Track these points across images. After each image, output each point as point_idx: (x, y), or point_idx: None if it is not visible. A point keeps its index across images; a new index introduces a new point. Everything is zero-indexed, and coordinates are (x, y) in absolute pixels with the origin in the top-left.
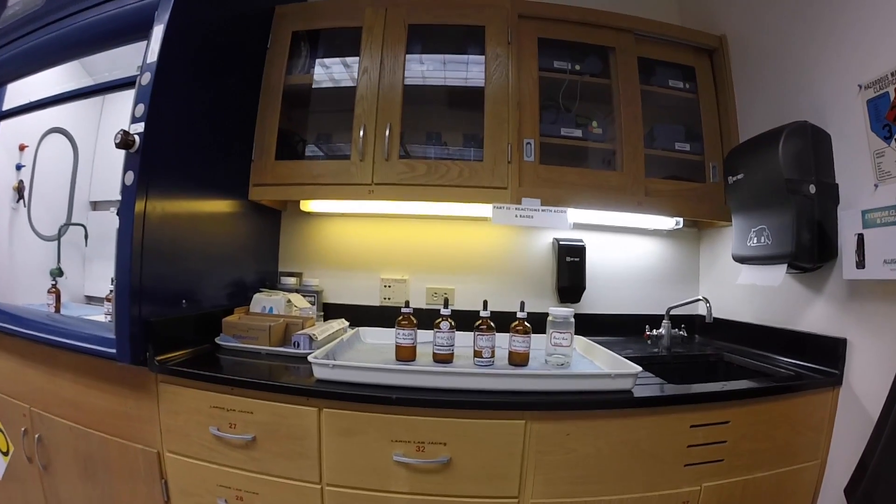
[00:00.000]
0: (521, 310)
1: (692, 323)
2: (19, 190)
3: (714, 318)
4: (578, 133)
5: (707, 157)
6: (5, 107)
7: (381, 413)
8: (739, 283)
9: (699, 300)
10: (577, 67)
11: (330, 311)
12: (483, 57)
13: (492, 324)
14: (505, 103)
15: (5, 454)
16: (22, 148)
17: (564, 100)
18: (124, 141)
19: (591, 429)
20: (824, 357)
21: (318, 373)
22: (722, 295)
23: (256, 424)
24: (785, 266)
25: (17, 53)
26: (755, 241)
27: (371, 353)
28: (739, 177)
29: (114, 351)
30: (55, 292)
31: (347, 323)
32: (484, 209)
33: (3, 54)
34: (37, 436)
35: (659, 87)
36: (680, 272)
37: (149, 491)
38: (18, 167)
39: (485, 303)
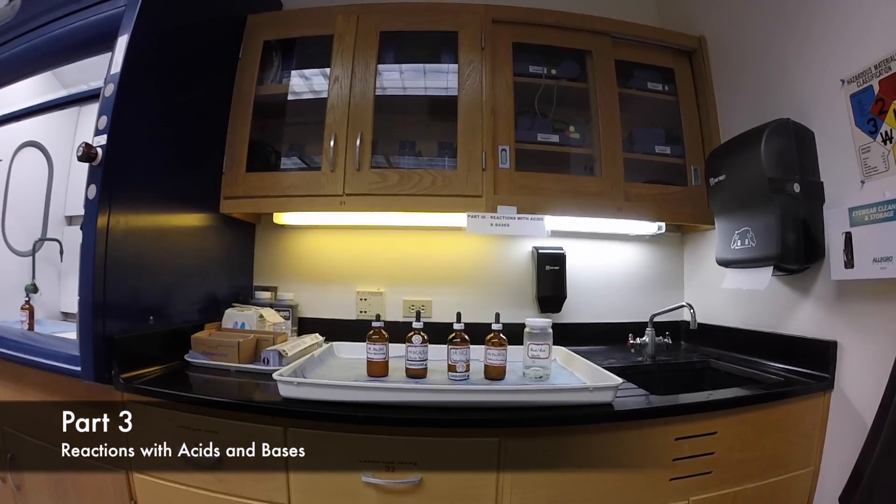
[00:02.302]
0: (497, 321)
1: (677, 330)
2: None
3: (700, 324)
4: (555, 138)
5: (688, 159)
6: None
7: (348, 432)
8: (724, 288)
9: (683, 306)
10: (554, 72)
11: (305, 326)
12: (456, 62)
13: (466, 336)
14: (479, 109)
15: None
16: None
17: (541, 105)
18: (86, 154)
19: (570, 445)
20: (814, 361)
21: (284, 391)
22: (707, 300)
23: (223, 444)
24: (771, 268)
25: None
26: (739, 244)
27: (344, 368)
28: (721, 178)
29: (78, 368)
30: (28, 309)
31: (322, 338)
32: (460, 219)
33: None
34: (9, 455)
35: (638, 89)
36: (663, 278)
37: None
38: None
39: (458, 315)
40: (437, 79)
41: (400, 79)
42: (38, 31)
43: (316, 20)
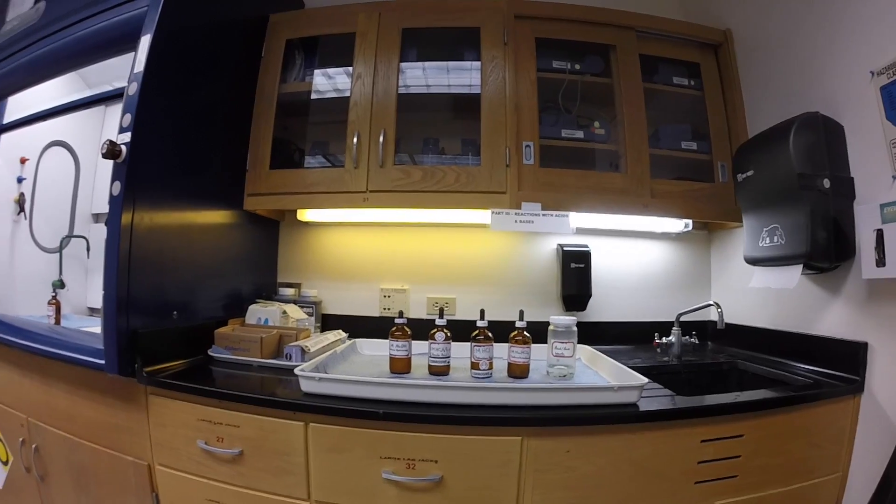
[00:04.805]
0: (521, 319)
1: (704, 329)
2: (20, 202)
3: (727, 324)
4: (580, 134)
5: (715, 155)
6: (6, 120)
7: (369, 428)
8: (752, 287)
9: (710, 305)
10: (577, 67)
11: (329, 323)
12: (479, 58)
13: (489, 334)
14: (502, 105)
15: (5, 464)
16: (23, 161)
17: (565, 101)
18: (111, 151)
19: (593, 445)
20: (844, 363)
21: (305, 386)
22: (735, 299)
23: (243, 439)
24: (800, 267)
25: (16, 67)
26: (768, 242)
27: (366, 365)
28: (749, 174)
29: (102, 362)
30: (55, 304)
31: (345, 334)
32: (483, 216)
33: (2, 68)
34: (34, 446)
35: (663, 85)
36: (690, 277)
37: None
38: (20, 180)
39: (482, 312)
40: (459, 76)
41: (423, 76)
42: (63, 33)
43: (338, 18)
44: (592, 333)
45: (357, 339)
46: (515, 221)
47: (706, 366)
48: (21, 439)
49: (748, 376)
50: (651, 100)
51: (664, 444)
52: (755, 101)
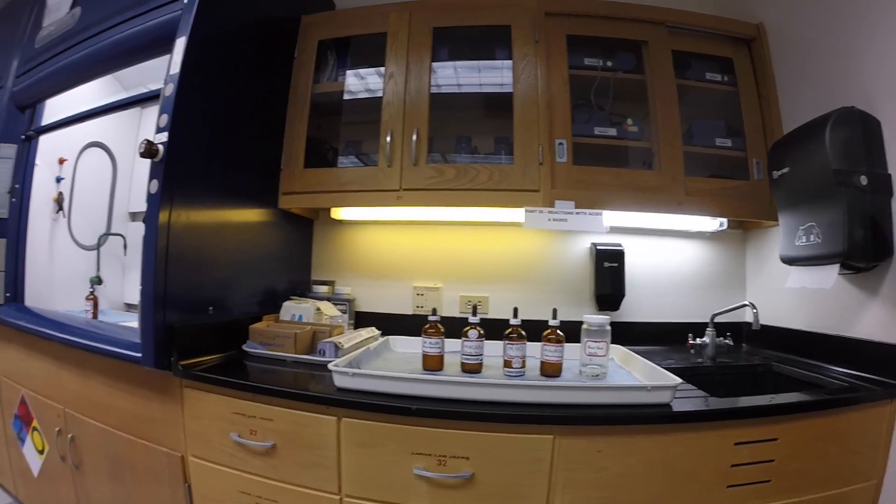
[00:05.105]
0: (554, 317)
1: (738, 331)
2: (59, 202)
3: (762, 326)
4: (613, 132)
5: (750, 152)
6: (44, 122)
7: (400, 424)
8: (788, 287)
9: (745, 305)
10: (609, 64)
11: (362, 320)
12: (510, 56)
13: (522, 332)
14: (534, 103)
15: (41, 452)
16: (62, 161)
17: (597, 98)
18: (148, 150)
19: (625, 446)
20: (882, 366)
21: (339, 381)
22: (770, 300)
23: (276, 432)
24: (837, 266)
25: (53, 71)
26: (804, 240)
27: (399, 362)
28: (784, 171)
29: (139, 355)
30: (93, 299)
31: (378, 332)
32: (517, 214)
33: (40, 72)
34: (70, 436)
35: (696, 80)
36: (725, 277)
37: (172, 494)
38: (58, 180)
39: (515, 310)
40: (491, 74)
41: (454, 75)
42: (99, 37)
43: (369, 19)
44: (625, 334)
45: (390, 337)
46: (549, 220)
47: (740, 368)
48: (57, 429)
49: (783, 379)
50: (684, 96)
51: (697, 445)
52: (790, 96)
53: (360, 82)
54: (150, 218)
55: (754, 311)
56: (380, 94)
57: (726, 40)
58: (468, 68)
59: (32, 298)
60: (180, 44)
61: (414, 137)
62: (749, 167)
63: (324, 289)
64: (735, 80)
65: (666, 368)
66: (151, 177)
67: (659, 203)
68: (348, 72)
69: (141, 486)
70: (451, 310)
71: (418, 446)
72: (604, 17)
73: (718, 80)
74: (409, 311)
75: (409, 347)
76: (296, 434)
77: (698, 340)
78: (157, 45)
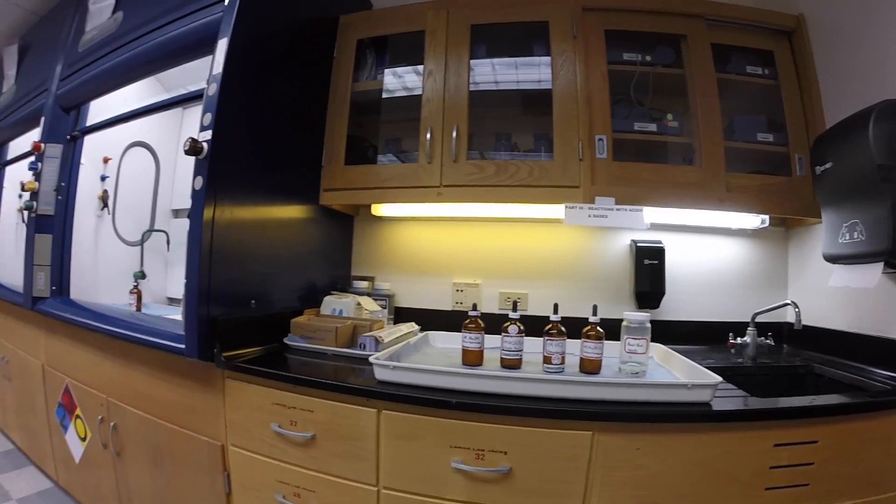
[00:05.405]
0: (594, 314)
1: (780, 331)
2: (104, 199)
3: (804, 326)
4: (653, 127)
5: (792, 147)
6: (89, 122)
7: (440, 417)
8: (831, 286)
9: (787, 304)
10: (648, 58)
11: (402, 315)
12: (548, 52)
13: (562, 328)
14: (574, 99)
15: (83, 440)
16: (106, 160)
17: (637, 93)
18: (193, 148)
19: (663, 444)
20: None
21: (379, 374)
22: (813, 300)
23: (316, 423)
24: (881, 265)
25: (97, 73)
26: (847, 238)
27: (438, 356)
28: (828, 166)
29: (183, 346)
30: (136, 293)
31: (418, 327)
32: (557, 210)
33: (84, 75)
34: (112, 424)
35: (736, 74)
36: (766, 275)
37: (211, 482)
38: (103, 178)
39: (555, 306)
40: (529, 71)
41: (492, 72)
42: (141, 41)
43: (406, 17)
44: (665, 332)
45: (429, 332)
46: (589, 216)
47: (781, 369)
48: (100, 417)
49: (824, 381)
50: (724, 90)
51: (736, 445)
52: (832, 89)
53: (398, 80)
54: (194, 214)
55: (796, 310)
56: (418, 91)
57: (766, 32)
58: (506, 65)
59: (78, 292)
60: (222, 45)
61: (454, 134)
62: (791, 163)
63: (364, 284)
64: (776, 73)
65: (706, 368)
66: (196, 174)
67: (700, 199)
68: (386, 70)
69: (180, 474)
70: (490, 306)
71: (457, 440)
72: (641, 11)
73: (759, 73)
74: (449, 307)
75: (448, 343)
76: (335, 425)
77: (739, 340)
78: (199, 46)
